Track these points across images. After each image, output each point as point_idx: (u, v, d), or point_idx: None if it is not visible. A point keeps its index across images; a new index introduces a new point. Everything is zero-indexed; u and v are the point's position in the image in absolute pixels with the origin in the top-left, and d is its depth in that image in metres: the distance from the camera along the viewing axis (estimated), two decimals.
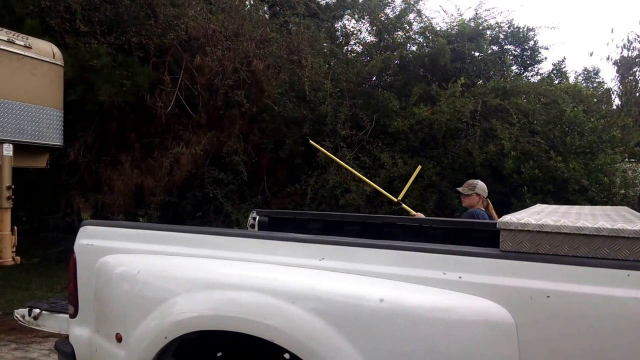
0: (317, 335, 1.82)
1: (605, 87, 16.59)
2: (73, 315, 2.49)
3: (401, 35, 9.74)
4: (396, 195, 5.42)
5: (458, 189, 4.81)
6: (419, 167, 6.00)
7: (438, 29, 9.63)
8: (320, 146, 8.17)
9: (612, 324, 1.64)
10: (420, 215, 4.85)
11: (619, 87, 16.26)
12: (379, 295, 1.80)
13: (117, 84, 7.93)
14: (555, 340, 1.69)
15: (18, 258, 5.56)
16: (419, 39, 9.74)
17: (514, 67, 10.02)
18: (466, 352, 1.72)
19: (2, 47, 5.38)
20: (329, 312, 1.83)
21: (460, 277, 1.81)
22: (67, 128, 6.44)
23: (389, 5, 10.05)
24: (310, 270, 2.00)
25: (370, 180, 8.00)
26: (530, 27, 9.65)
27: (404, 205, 5.17)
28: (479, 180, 4.83)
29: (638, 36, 15.14)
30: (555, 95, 8.51)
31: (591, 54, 40.47)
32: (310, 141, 5.72)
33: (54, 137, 5.91)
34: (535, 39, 9.75)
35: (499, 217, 1.93)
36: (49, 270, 8.47)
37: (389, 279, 1.88)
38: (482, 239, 3.24)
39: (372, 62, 8.91)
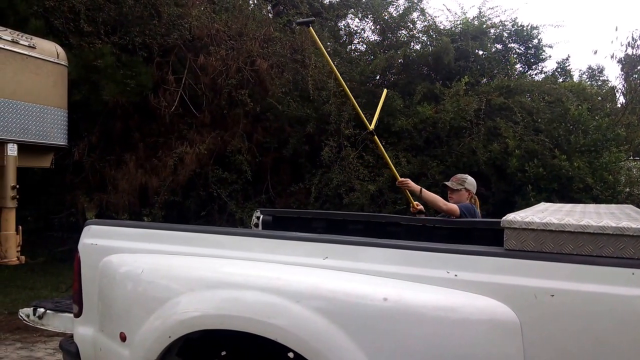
0: (321, 335, 1.81)
1: (609, 85, 16.58)
2: (77, 315, 2.49)
3: (405, 34, 9.73)
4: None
5: (446, 183, 4.46)
6: (385, 90, 5.65)
7: (442, 27, 9.63)
8: (324, 145, 8.24)
9: (617, 322, 1.63)
10: (408, 181, 4.52)
11: (623, 85, 16.17)
12: (383, 294, 1.80)
13: (121, 83, 7.95)
14: (559, 338, 1.68)
15: (23, 257, 5.58)
16: (423, 38, 9.74)
17: (518, 66, 9.99)
18: (470, 350, 1.72)
19: (6, 47, 5.39)
20: (332, 311, 1.83)
21: (463, 276, 1.80)
22: (72, 128, 6.46)
23: (393, 4, 10.05)
24: (314, 270, 2.00)
25: (374, 179, 8.06)
26: (535, 26, 9.64)
27: (375, 137, 4.94)
28: (468, 175, 4.54)
29: None
30: (560, 94, 8.49)
31: (595, 52, 40.29)
32: (310, 28, 4.92)
33: (58, 137, 5.92)
34: (539, 37, 9.75)
35: (501, 216, 1.91)
36: (54, 269, 8.49)
37: (393, 278, 1.88)
38: (485, 238, 3.23)
39: (376, 61, 8.91)
